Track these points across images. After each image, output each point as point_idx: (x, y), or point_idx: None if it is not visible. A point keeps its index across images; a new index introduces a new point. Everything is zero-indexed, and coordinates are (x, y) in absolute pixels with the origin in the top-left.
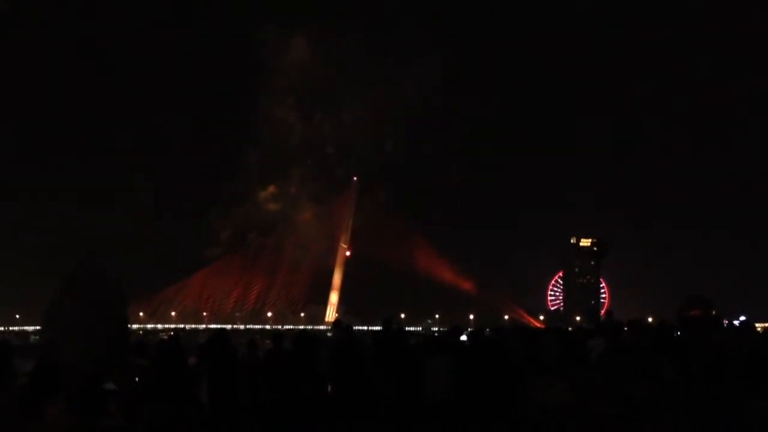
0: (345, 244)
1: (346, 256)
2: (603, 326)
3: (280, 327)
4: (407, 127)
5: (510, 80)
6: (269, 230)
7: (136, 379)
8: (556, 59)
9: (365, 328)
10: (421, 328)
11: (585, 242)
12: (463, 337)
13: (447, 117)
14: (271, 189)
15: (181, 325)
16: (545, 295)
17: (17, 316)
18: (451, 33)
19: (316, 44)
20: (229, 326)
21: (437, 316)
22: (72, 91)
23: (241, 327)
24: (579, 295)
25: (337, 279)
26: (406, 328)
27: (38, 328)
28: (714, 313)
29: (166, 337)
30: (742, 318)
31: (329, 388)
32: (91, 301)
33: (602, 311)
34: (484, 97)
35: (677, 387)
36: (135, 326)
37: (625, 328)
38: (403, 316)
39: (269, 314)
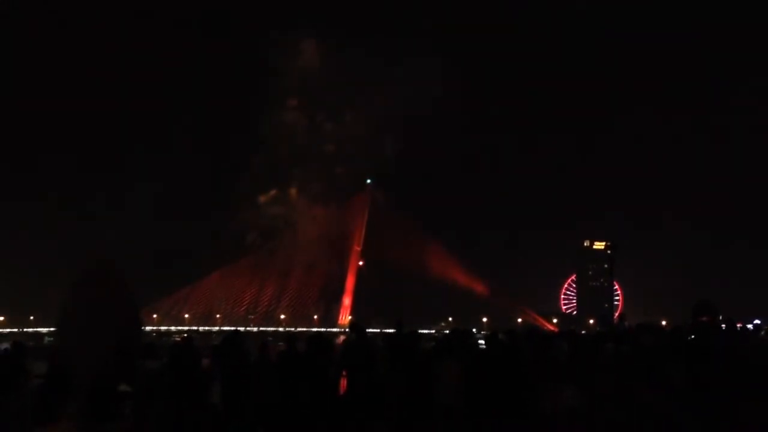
0: (358, 246)
1: (359, 261)
2: (616, 330)
3: (293, 329)
4: (414, 129)
5: (522, 80)
6: (281, 233)
7: (149, 381)
8: (566, 61)
9: (378, 330)
10: (434, 331)
11: (599, 245)
12: (481, 341)
13: (456, 119)
14: (281, 192)
15: (195, 327)
16: (559, 298)
17: (31, 318)
18: (455, 37)
19: (320, 48)
20: (242, 328)
21: (450, 318)
22: (77, 93)
23: (254, 329)
24: (592, 298)
25: (350, 282)
26: (419, 331)
27: (52, 329)
28: (721, 318)
29: (179, 339)
30: (757, 321)
31: (341, 390)
32: (102, 303)
33: (616, 314)
34: (494, 98)
35: (686, 392)
36: (148, 328)
37: (637, 332)
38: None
39: (282, 317)
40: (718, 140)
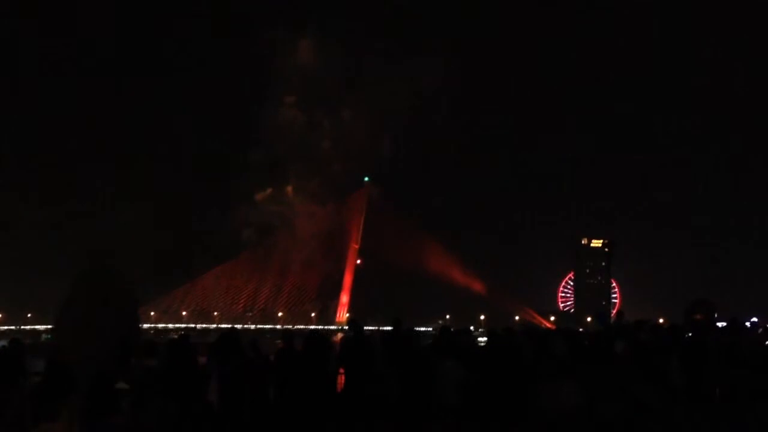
0: (356, 244)
1: (357, 258)
2: (613, 327)
3: (291, 327)
4: (413, 127)
5: (518, 83)
6: (279, 231)
7: (146, 378)
8: (564, 62)
9: (375, 328)
10: (431, 329)
11: (596, 243)
12: (482, 339)
13: (454, 116)
14: (279, 189)
15: (192, 325)
16: (556, 296)
17: (29, 315)
18: (455, 35)
19: (319, 46)
20: (239, 326)
21: (448, 316)
22: (76, 92)
23: (252, 327)
24: (590, 295)
25: (347, 279)
26: (417, 329)
27: (50, 327)
28: (716, 315)
29: (176, 337)
30: (754, 319)
31: (339, 388)
32: (101, 301)
33: (613, 312)
34: (493, 96)
35: (686, 390)
36: (146, 326)
37: (634, 328)
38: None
39: (280, 314)
40: (718, 139)
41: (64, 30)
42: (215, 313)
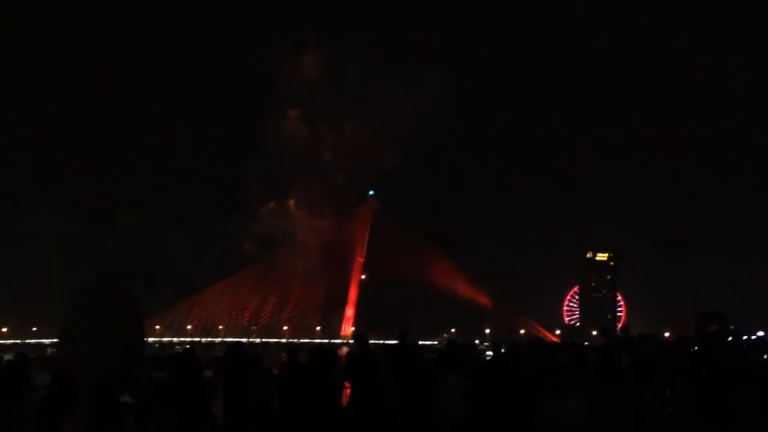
0: (361, 258)
1: (362, 272)
2: (619, 342)
3: (295, 341)
4: (416, 139)
5: (521, 94)
6: (284, 245)
7: (152, 391)
8: (568, 72)
9: (380, 342)
10: (437, 343)
11: (601, 256)
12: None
13: (457, 130)
14: (284, 204)
15: (197, 339)
16: (561, 310)
17: (34, 329)
18: (458, 44)
19: (322, 57)
20: (244, 340)
21: (453, 330)
22: (75, 100)
23: (257, 341)
24: (595, 309)
25: (352, 293)
26: (421, 342)
27: (55, 341)
28: (732, 328)
29: (181, 351)
30: (760, 333)
31: (344, 401)
32: (106, 314)
33: (619, 326)
34: (496, 110)
35: (691, 403)
36: (151, 339)
37: (637, 342)
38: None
39: (285, 328)
40: (721, 142)
41: (65, 34)
42: (220, 327)
